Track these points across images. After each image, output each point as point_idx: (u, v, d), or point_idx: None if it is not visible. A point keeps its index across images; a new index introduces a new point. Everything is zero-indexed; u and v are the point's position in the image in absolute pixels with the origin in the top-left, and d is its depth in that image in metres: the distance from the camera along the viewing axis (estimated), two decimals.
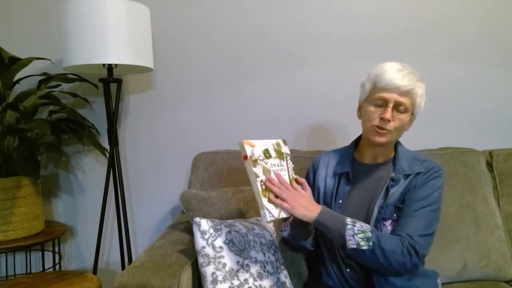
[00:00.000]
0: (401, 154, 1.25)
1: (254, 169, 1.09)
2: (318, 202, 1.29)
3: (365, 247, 1.09)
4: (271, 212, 1.07)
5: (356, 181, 1.27)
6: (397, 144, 1.28)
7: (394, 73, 1.15)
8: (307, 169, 1.42)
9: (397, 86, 1.14)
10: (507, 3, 1.80)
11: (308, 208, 1.13)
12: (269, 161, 1.14)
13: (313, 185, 1.34)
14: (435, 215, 1.16)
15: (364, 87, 1.24)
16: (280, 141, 1.22)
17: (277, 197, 1.11)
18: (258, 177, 1.09)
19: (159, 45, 1.87)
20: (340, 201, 1.25)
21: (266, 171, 1.12)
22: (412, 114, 1.20)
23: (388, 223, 1.17)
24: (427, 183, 1.18)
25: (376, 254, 1.09)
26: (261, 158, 1.12)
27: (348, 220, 1.12)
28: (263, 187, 1.09)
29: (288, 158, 1.21)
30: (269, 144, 1.18)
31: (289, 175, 1.18)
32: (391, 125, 1.16)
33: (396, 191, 1.19)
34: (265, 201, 1.08)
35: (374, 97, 1.18)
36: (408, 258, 1.10)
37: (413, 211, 1.14)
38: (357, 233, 1.10)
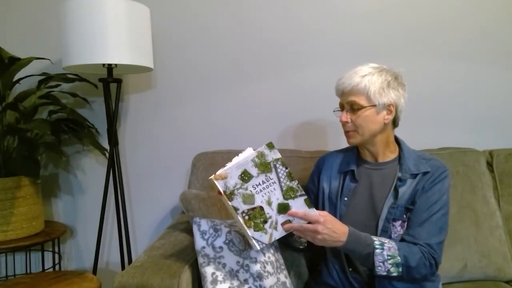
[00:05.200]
0: (406, 153, 1.25)
1: (232, 203, 1.02)
2: (323, 201, 1.31)
3: (394, 274, 1.10)
4: (260, 240, 1.04)
5: (361, 179, 1.27)
6: (401, 144, 1.28)
7: (339, 80, 1.24)
8: (307, 169, 1.42)
9: (341, 90, 1.23)
10: (507, 3, 1.80)
11: (333, 237, 1.06)
12: (249, 184, 1.04)
13: (318, 185, 1.35)
14: (446, 219, 1.18)
15: None
16: (263, 149, 1.05)
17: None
18: (238, 209, 1.03)
19: (159, 45, 1.87)
20: (346, 199, 1.26)
21: (247, 198, 1.03)
22: (374, 105, 1.19)
23: (397, 223, 1.18)
24: (435, 185, 1.18)
25: (403, 274, 1.11)
26: (238, 186, 1.03)
27: (376, 242, 1.11)
28: (246, 217, 1.03)
29: (277, 164, 1.05)
30: (247, 162, 1.04)
31: (281, 186, 1.05)
32: (350, 126, 1.22)
33: (405, 192, 1.19)
34: (250, 231, 1.03)
35: (339, 105, 1.27)
36: (429, 269, 1.13)
37: (426, 217, 1.16)
38: (387, 259, 1.10)
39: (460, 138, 1.81)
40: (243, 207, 1.03)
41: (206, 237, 1.19)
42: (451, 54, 1.83)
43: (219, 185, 1.03)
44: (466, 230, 1.52)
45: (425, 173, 1.20)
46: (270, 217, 1.04)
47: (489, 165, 1.67)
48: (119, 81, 1.73)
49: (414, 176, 1.21)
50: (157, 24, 1.85)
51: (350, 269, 1.23)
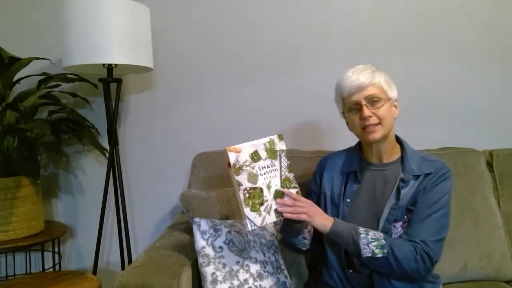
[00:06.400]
0: (409, 154, 1.25)
1: (237, 178, 1.07)
2: (325, 202, 1.31)
3: (380, 255, 1.11)
4: (253, 221, 1.07)
5: (363, 180, 1.27)
6: (404, 145, 1.28)
7: (349, 78, 1.21)
8: (307, 169, 1.42)
9: (357, 85, 1.20)
10: (506, 3, 1.80)
11: (324, 217, 1.16)
12: (257, 164, 1.11)
13: (319, 186, 1.35)
14: (446, 219, 1.18)
15: (337, 104, 1.30)
16: (275, 138, 1.16)
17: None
18: (242, 185, 1.07)
19: (159, 45, 1.87)
20: (348, 200, 1.25)
21: (252, 177, 1.09)
22: (389, 99, 1.22)
23: (398, 224, 1.18)
24: (437, 186, 1.18)
25: (390, 262, 1.11)
26: (247, 163, 1.10)
27: (361, 229, 1.14)
28: (247, 195, 1.07)
29: (282, 155, 1.16)
30: (260, 144, 1.13)
31: (281, 174, 1.14)
32: (374, 119, 1.19)
33: (407, 193, 1.19)
34: (247, 210, 1.07)
35: (348, 106, 1.24)
36: (422, 264, 1.12)
37: (426, 216, 1.16)
38: (371, 241, 1.12)
39: (460, 138, 1.80)
40: (247, 184, 1.08)
41: (206, 237, 1.19)
42: (451, 54, 1.83)
43: (231, 157, 1.08)
44: (466, 230, 1.52)
45: (427, 174, 1.20)
46: (267, 200, 1.10)
47: (489, 165, 1.67)
48: (119, 81, 1.73)
49: (416, 177, 1.20)
50: (157, 24, 1.85)
51: (351, 271, 1.23)
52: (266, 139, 1.15)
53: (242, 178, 1.08)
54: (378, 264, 1.13)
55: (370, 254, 1.11)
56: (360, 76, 1.19)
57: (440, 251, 1.16)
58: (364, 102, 1.19)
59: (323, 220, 1.15)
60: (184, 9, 1.88)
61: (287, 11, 1.85)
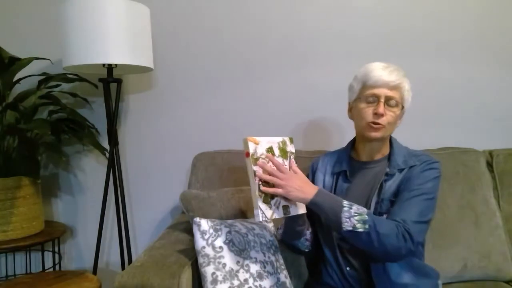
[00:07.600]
0: (397, 150, 1.26)
1: (255, 168, 1.09)
2: None
3: (360, 230, 1.08)
4: (264, 212, 1.08)
5: (353, 179, 1.28)
6: (392, 141, 1.29)
7: (381, 70, 1.20)
8: (307, 169, 1.42)
9: (386, 82, 1.18)
10: (505, 2, 1.80)
11: (303, 190, 1.12)
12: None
13: None
14: (429, 204, 1.16)
15: (353, 88, 1.28)
16: (287, 139, 1.22)
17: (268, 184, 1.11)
18: (257, 176, 1.10)
19: (159, 45, 1.87)
20: None
21: (266, 171, 1.12)
22: (402, 108, 1.23)
23: (385, 217, 1.17)
24: (422, 173, 1.19)
25: (372, 237, 1.08)
26: (263, 156, 1.13)
27: (345, 202, 1.12)
28: (261, 186, 1.09)
29: (292, 157, 1.20)
30: (275, 142, 1.17)
31: None
32: (384, 120, 1.19)
33: (391, 185, 1.20)
34: (260, 201, 1.08)
35: (365, 95, 1.22)
36: (403, 243, 1.09)
37: (407, 199, 1.15)
38: (354, 216, 1.10)
39: (460, 138, 1.81)
40: (262, 176, 1.10)
41: (206, 237, 1.19)
42: (452, 54, 1.83)
43: (250, 147, 1.11)
44: (466, 230, 1.52)
45: (412, 166, 1.21)
46: (277, 196, 1.12)
47: (489, 165, 1.67)
48: (119, 81, 1.73)
49: (401, 170, 1.22)
50: (157, 24, 1.85)
51: (348, 268, 1.23)
52: (280, 139, 1.19)
53: (258, 169, 1.10)
54: (358, 240, 1.10)
55: (350, 228, 1.08)
56: (393, 75, 1.19)
57: (422, 232, 1.15)
58: (383, 99, 1.19)
59: (301, 194, 1.11)
60: (184, 9, 1.88)
61: (289, 10, 1.85)
